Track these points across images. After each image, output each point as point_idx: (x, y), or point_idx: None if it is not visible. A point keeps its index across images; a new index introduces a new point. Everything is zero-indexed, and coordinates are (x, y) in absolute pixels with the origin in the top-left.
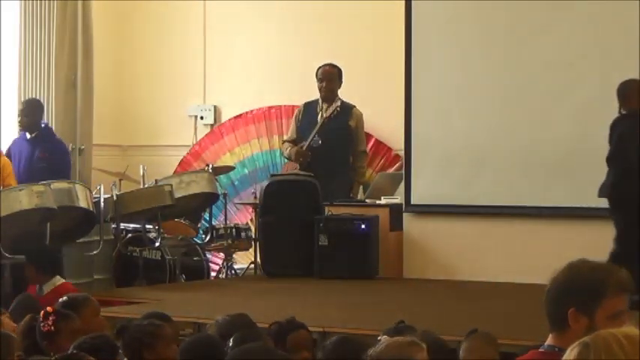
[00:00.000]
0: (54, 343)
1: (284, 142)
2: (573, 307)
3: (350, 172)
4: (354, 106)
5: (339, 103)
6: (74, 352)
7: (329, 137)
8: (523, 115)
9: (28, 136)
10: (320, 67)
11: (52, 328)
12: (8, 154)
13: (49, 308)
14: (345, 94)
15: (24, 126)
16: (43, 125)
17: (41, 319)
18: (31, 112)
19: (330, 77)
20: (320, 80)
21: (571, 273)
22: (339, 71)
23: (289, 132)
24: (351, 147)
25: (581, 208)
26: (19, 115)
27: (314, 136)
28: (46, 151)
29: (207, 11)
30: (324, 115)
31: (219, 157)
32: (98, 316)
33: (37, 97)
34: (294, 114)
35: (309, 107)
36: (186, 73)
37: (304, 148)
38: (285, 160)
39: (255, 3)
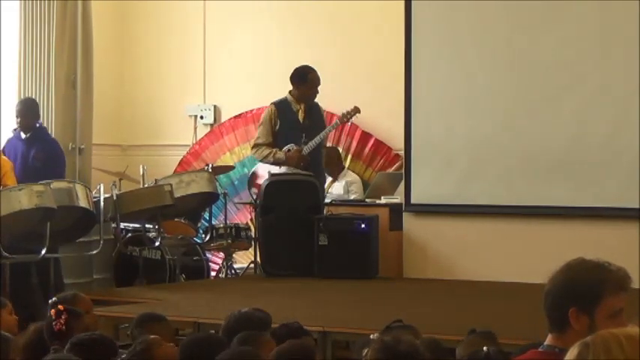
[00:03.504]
0: (65, 342)
1: (258, 145)
2: (573, 307)
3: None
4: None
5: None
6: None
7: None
8: (523, 115)
9: (23, 135)
10: (311, 72)
11: (64, 327)
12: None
13: (60, 307)
14: (345, 94)
15: (22, 126)
16: (37, 125)
17: (53, 317)
18: (26, 112)
19: (319, 84)
20: (314, 86)
21: (569, 273)
22: None
23: (263, 135)
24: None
25: (581, 208)
26: (16, 116)
27: (318, 141)
28: (41, 151)
29: (207, 11)
30: (342, 120)
31: (219, 157)
32: (90, 312)
33: (37, 97)
34: (267, 116)
35: (283, 108)
36: (186, 73)
37: (303, 152)
38: (255, 165)
39: (255, 3)
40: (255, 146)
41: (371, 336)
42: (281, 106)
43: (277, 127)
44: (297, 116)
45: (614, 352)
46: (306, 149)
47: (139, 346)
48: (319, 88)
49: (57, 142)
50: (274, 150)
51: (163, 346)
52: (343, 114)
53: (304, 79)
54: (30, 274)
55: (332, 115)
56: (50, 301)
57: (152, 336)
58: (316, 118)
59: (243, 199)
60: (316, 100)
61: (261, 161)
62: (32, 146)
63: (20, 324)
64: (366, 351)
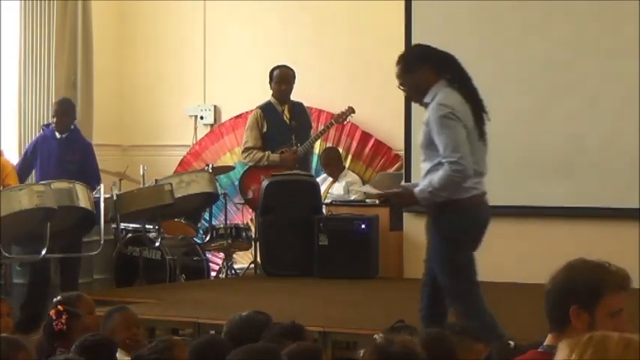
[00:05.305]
0: (65, 342)
1: (249, 149)
2: (574, 304)
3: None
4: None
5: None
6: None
7: (303, 140)
8: (523, 115)
9: (58, 135)
10: (278, 69)
11: (65, 327)
12: (34, 151)
13: (60, 307)
14: (345, 94)
15: (59, 127)
16: (72, 127)
17: (54, 318)
18: (63, 113)
19: (291, 80)
20: (282, 82)
21: (570, 272)
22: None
23: (251, 139)
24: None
25: (581, 208)
26: (53, 116)
27: (313, 141)
28: (77, 153)
29: (207, 11)
30: (337, 121)
31: (219, 157)
32: (93, 313)
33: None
34: (253, 119)
35: (269, 111)
36: (186, 73)
37: (297, 152)
38: (242, 170)
39: (255, 3)
40: (246, 150)
41: (374, 336)
42: (266, 108)
43: (265, 129)
44: (282, 117)
45: (602, 352)
46: (301, 150)
47: (160, 345)
48: (322, 88)
49: (90, 144)
50: (267, 153)
51: (186, 350)
52: (338, 114)
53: (271, 76)
54: (49, 274)
55: (330, 115)
56: (53, 300)
57: (175, 337)
58: (302, 118)
59: (243, 199)
60: (315, 100)
61: (253, 165)
62: (68, 148)
63: (36, 323)
64: (362, 351)
